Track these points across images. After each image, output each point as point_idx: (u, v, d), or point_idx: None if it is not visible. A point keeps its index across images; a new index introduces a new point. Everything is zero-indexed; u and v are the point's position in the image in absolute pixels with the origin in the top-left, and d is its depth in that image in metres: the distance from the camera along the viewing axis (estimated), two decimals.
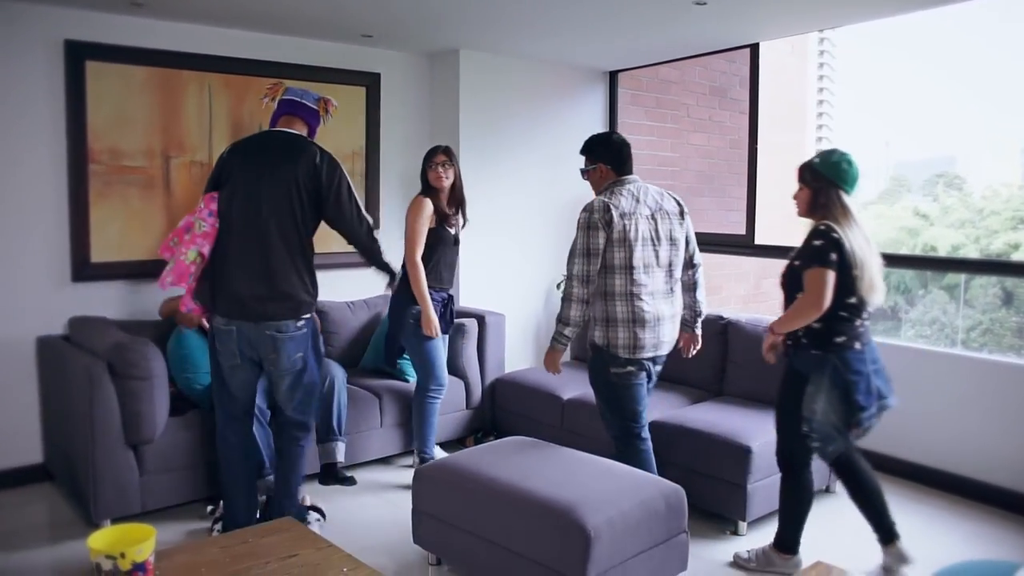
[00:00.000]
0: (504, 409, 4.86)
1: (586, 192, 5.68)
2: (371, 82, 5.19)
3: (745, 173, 5.38)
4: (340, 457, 4.07)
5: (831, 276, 3.01)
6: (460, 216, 4.34)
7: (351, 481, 4.01)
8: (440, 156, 4.23)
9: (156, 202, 4.41)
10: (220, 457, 3.51)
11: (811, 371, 3.10)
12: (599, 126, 6.06)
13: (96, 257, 4.26)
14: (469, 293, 5.36)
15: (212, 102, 4.56)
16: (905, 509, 4.01)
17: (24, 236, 4.07)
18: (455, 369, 4.77)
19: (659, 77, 6.68)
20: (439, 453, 4.26)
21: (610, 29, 4.64)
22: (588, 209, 3.39)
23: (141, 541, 2.10)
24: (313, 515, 3.68)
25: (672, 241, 3.48)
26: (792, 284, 3.17)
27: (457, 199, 4.30)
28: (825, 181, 3.13)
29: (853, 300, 3.07)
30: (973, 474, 4.12)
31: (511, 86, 5.52)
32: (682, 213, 3.55)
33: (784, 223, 8.39)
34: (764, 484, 3.66)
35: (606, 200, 3.38)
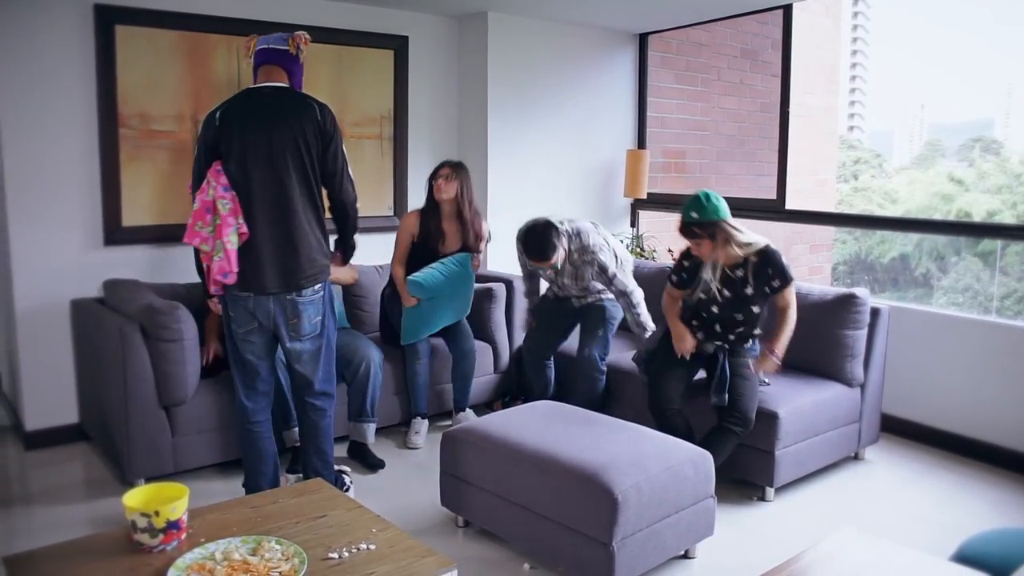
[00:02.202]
0: None
1: (615, 157, 5.63)
2: (399, 45, 5.15)
3: (776, 137, 5.31)
4: (371, 438, 4.07)
5: None
6: (467, 233, 4.34)
7: (380, 465, 4.00)
8: (445, 169, 4.28)
9: (185, 166, 4.41)
10: (239, 427, 3.43)
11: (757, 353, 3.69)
12: (629, 90, 5.99)
13: (127, 221, 4.29)
14: (497, 258, 5.35)
15: (240, 66, 4.55)
16: (937, 476, 3.99)
17: (57, 201, 4.11)
18: (484, 334, 4.78)
19: (689, 40, 6.59)
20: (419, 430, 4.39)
21: None
22: (599, 245, 4.12)
23: (174, 500, 2.14)
24: (347, 479, 3.68)
25: None
26: (750, 306, 3.58)
27: (460, 214, 4.32)
28: (712, 225, 3.45)
29: None
30: (1006, 443, 4.07)
31: (540, 49, 5.46)
32: None
33: (815, 189, 8.30)
34: (792, 450, 3.65)
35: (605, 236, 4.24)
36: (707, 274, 3.56)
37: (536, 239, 4.01)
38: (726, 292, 3.57)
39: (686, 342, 3.68)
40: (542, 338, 4.37)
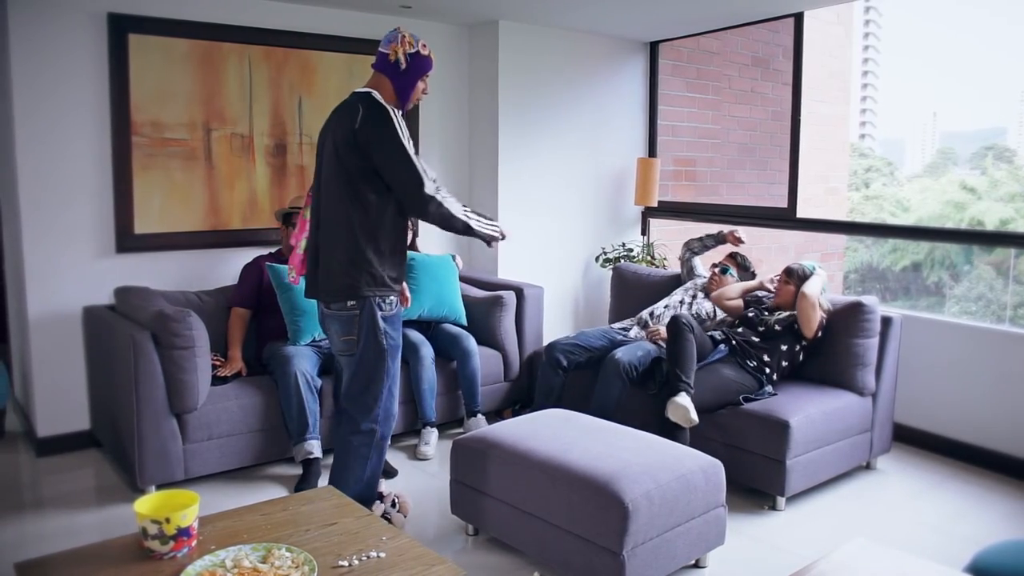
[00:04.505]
0: None
1: (625, 165, 5.64)
2: None
3: (787, 145, 5.30)
4: None
5: None
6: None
7: (393, 473, 3.99)
8: None
9: (197, 174, 4.46)
10: None
11: None
12: (639, 98, 5.99)
13: (139, 228, 4.31)
14: (508, 266, 5.36)
15: (252, 74, 4.57)
16: (950, 487, 3.96)
17: (70, 208, 4.13)
18: (494, 341, 4.78)
19: (700, 48, 6.59)
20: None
21: None
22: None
23: (185, 507, 2.14)
24: (380, 507, 3.37)
25: None
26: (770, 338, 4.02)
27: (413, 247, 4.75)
28: (807, 285, 3.95)
29: None
30: (1020, 453, 4.04)
31: (551, 57, 5.47)
32: None
33: (826, 197, 8.28)
34: (803, 460, 3.63)
35: None
36: (775, 316, 4.03)
37: (743, 256, 4.68)
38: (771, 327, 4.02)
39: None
40: (579, 344, 4.40)
